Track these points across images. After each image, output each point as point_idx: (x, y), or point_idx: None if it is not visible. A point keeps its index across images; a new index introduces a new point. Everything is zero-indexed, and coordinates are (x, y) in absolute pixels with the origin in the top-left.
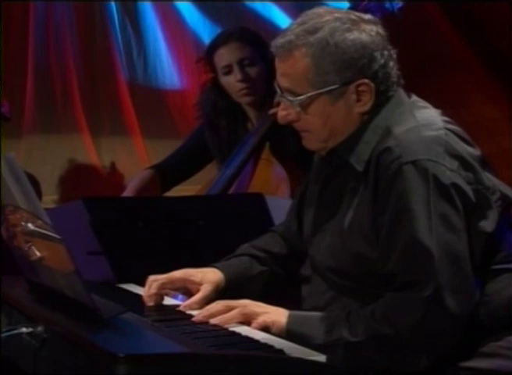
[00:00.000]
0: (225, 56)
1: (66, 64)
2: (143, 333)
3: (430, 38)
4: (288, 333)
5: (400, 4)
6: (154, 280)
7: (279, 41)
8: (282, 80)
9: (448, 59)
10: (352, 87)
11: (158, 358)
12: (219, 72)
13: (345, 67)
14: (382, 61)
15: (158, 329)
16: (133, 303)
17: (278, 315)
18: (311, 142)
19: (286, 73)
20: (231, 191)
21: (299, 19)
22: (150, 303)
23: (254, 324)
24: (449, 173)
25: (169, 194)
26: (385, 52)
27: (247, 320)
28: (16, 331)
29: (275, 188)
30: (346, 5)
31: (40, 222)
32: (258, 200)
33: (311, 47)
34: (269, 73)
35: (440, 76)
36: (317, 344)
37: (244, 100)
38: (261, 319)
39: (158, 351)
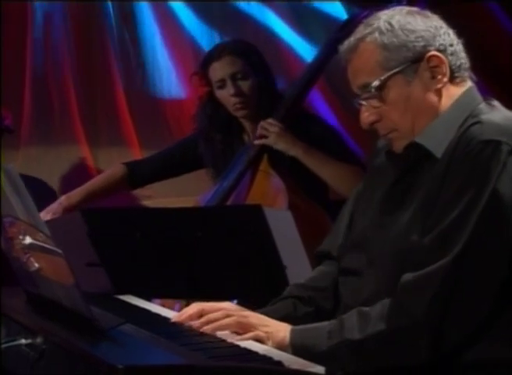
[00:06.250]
0: (218, 71)
1: (64, 75)
2: (142, 344)
3: None
4: (293, 348)
5: None
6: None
7: (345, 44)
8: (355, 80)
9: None
10: (423, 63)
11: (156, 369)
12: (214, 85)
13: (411, 41)
14: (447, 37)
15: (156, 340)
16: (131, 314)
17: (277, 329)
18: (399, 141)
19: (357, 68)
20: (229, 203)
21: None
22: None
23: (246, 336)
24: None
25: (165, 205)
26: (450, 32)
27: (242, 330)
28: (14, 342)
29: (272, 200)
30: (338, 4)
31: (39, 234)
32: (257, 211)
33: (372, 34)
34: (263, 85)
35: None
36: (322, 351)
37: (238, 114)
38: (255, 333)
39: (156, 363)
